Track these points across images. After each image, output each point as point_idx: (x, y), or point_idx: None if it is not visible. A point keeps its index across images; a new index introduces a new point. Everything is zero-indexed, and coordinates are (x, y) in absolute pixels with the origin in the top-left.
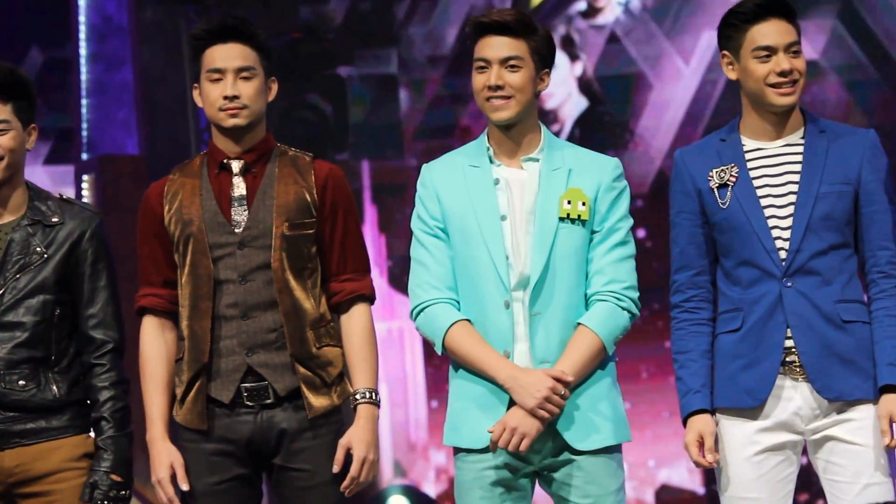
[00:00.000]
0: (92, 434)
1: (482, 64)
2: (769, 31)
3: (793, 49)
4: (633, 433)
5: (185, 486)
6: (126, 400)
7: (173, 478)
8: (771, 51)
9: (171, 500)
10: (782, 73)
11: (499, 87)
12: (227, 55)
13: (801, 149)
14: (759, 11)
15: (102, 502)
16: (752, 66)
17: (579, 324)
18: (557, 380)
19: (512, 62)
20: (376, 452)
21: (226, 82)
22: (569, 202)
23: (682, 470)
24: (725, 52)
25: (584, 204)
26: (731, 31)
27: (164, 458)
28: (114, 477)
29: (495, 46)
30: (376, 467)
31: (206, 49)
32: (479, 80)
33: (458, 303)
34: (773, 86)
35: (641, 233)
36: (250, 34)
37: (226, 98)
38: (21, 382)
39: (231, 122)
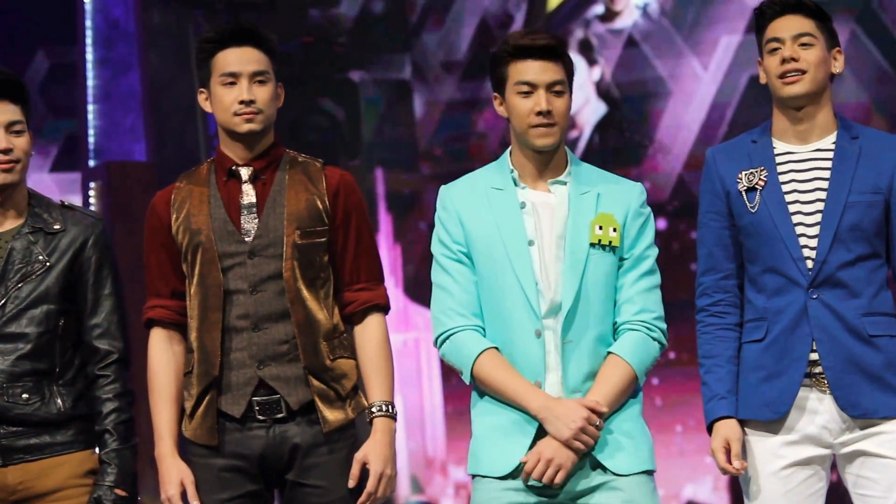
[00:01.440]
0: (97, 449)
1: (527, 88)
2: (779, 25)
3: (801, 40)
4: (660, 448)
5: None
6: (130, 412)
7: (184, 495)
8: (779, 42)
9: None
10: (784, 61)
11: (548, 113)
12: (241, 59)
13: (831, 154)
14: (775, 10)
15: None
16: (766, 61)
17: (610, 353)
18: (592, 410)
19: (557, 87)
20: (394, 467)
21: (241, 87)
22: (600, 228)
23: (708, 486)
24: (759, 58)
25: (615, 230)
26: (758, 37)
27: (174, 474)
28: (118, 492)
29: (542, 70)
30: (394, 482)
31: (218, 52)
32: (524, 104)
33: (484, 329)
34: (780, 77)
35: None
36: (264, 38)
37: (242, 103)
38: (24, 396)
39: (247, 127)
